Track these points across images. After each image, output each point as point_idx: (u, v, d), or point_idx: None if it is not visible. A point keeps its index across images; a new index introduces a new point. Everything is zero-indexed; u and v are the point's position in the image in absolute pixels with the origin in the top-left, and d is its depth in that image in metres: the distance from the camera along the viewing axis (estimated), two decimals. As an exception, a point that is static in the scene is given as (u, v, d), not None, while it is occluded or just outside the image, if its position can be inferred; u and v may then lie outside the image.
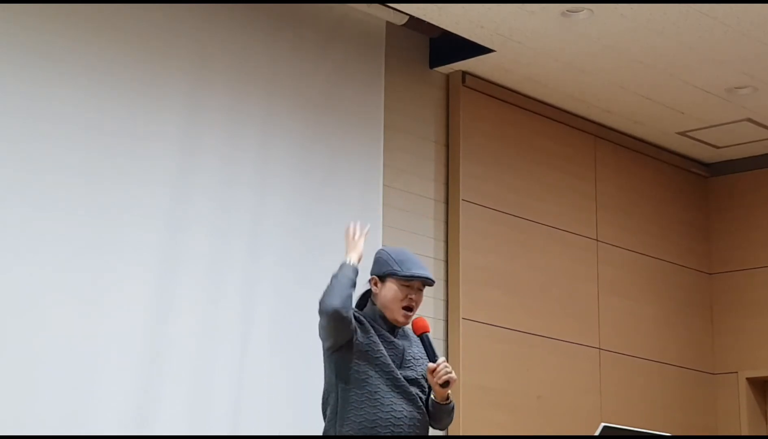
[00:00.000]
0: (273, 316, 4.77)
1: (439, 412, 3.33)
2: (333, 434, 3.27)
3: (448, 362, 3.36)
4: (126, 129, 4.45)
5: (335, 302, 3.17)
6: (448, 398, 3.31)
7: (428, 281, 3.34)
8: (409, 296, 3.31)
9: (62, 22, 4.35)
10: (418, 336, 3.37)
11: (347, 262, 3.27)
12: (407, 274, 3.30)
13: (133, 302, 4.39)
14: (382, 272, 3.34)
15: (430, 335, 3.38)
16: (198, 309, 4.55)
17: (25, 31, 4.24)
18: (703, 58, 5.41)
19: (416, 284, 3.32)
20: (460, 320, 5.37)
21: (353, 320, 3.22)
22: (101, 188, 4.38)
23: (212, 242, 4.63)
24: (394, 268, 3.31)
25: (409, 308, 3.31)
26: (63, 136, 4.29)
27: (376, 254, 3.41)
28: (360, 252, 3.31)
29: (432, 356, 3.29)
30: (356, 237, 3.33)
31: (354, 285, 3.24)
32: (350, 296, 3.23)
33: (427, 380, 3.32)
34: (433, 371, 3.24)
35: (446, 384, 3.24)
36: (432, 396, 3.32)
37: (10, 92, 4.17)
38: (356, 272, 3.26)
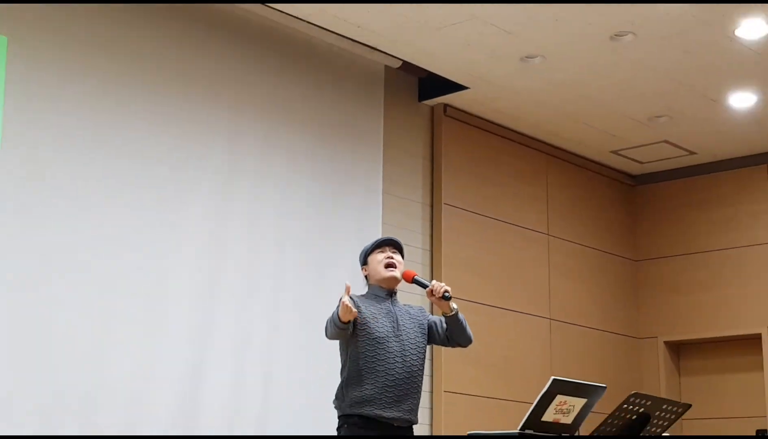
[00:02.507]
0: (299, 305, 4.67)
1: (453, 326, 3.29)
2: (346, 393, 3.23)
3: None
4: (180, 149, 4.39)
5: (327, 335, 3.23)
6: (452, 310, 3.25)
7: (393, 242, 3.38)
8: (386, 256, 3.31)
9: (127, 68, 4.31)
10: (410, 282, 3.34)
11: (338, 319, 3.12)
12: (373, 244, 3.36)
13: (183, 296, 4.28)
14: (362, 258, 3.38)
15: (419, 276, 3.35)
16: (236, 301, 4.45)
17: (95, 75, 4.20)
18: (630, 94, 5.44)
19: (386, 248, 3.34)
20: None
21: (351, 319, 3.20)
22: (158, 200, 4.29)
23: (249, 239, 4.56)
24: (366, 249, 3.38)
25: (390, 265, 3.30)
26: (131, 157, 4.21)
27: (359, 254, 3.45)
28: (346, 309, 3.10)
29: (425, 286, 3.26)
30: (344, 300, 3.11)
31: (338, 324, 3.12)
32: (335, 332, 3.17)
33: (418, 338, 3.28)
34: (431, 292, 3.22)
35: (446, 297, 3.20)
36: (441, 320, 3.31)
37: (88, 125, 4.11)
38: (337, 319, 3.12)
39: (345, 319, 3.07)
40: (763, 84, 5.28)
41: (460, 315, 3.29)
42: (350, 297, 3.17)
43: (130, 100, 4.26)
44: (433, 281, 3.29)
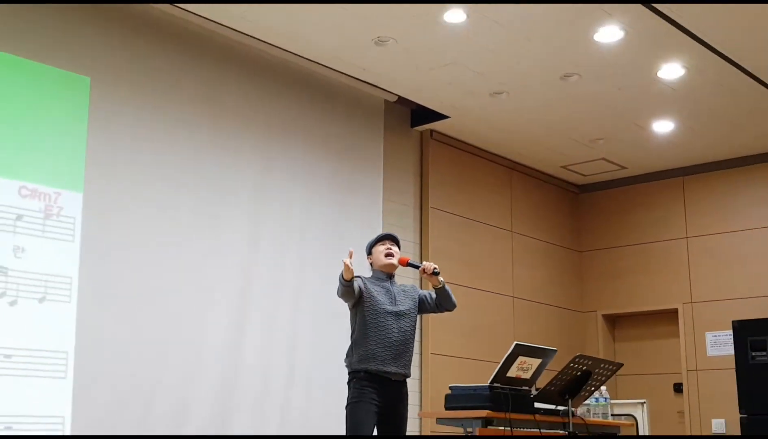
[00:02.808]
0: (318, 288, 4.59)
1: (441, 295, 3.34)
2: (354, 352, 3.25)
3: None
4: (223, 171, 4.33)
5: (338, 294, 3.24)
6: (441, 282, 3.29)
7: (391, 236, 3.40)
8: (386, 248, 3.35)
9: (188, 107, 4.26)
10: (405, 266, 3.37)
11: (342, 278, 3.16)
12: (376, 238, 3.43)
13: (228, 285, 4.22)
14: (368, 249, 3.44)
15: (412, 260, 3.40)
16: (268, 286, 4.42)
17: (161, 111, 4.15)
18: (575, 121, 5.47)
19: (386, 241, 3.39)
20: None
21: (358, 289, 3.20)
22: (206, 210, 4.19)
23: (278, 237, 4.51)
24: (371, 242, 3.43)
25: (389, 254, 3.33)
26: (187, 180, 4.18)
27: (365, 247, 3.46)
28: (347, 268, 3.13)
29: (417, 266, 3.32)
30: (345, 261, 3.15)
31: (343, 282, 3.15)
32: (343, 290, 3.18)
33: (413, 309, 3.33)
34: (423, 271, 3.28)
35: (435, 273, 3.24)
36: (431, 293, 3.34)
37: (156, 155, 4.10)
38: (342, 278, 3.16)
39: (347, 277, 3.08)
40: (679, 114, 5.34)
41: (447, 286, 3.32)
42: (362, 279, 3.28)
43: (192, 136, 4.20)
44: (424, 262, 3.37)
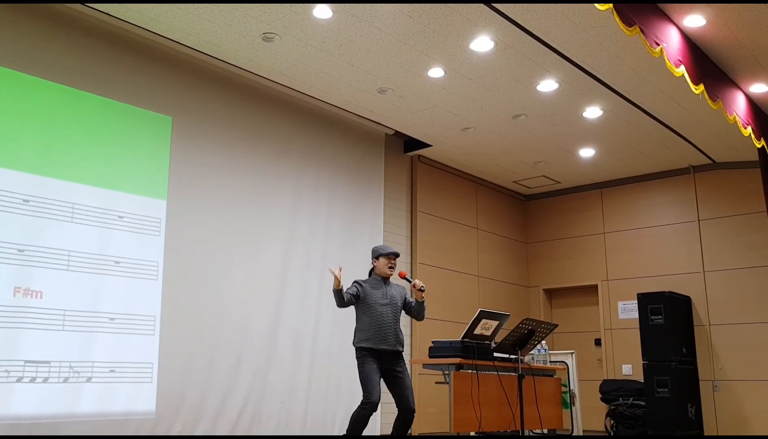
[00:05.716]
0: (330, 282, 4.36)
1: (419, 308, 3.22)
2: (356, 335, 3.13)
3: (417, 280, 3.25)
4: (268, 186, 4.27)
5: (337, 304, 3.08)
6: (422, 299, 3.20)
7: (396, 254, 3.26)
8: (390, 262, 3.22)
9: (250, 143, 4.21)
10: (402, 278, 3.23)
11: (333, 288, 3.02)
12: (386, 252, 3.24)
13: (271, 263, 4.20)
14: (375, 255, 3.25)
15: (407, 275, 3.33)
16: (300, 277, 4.35)
17: (229, 147, 4.11)
18: (523, 149, 5.39)
19: (391, 257, 3.24)
20: (417, 263, 5.40)
21: (349, 297, 3.07)
22: (256, 213, 4.13)
23: (307, 239, 4.47)
24: (380, 251, 3.24)
25: (391, 267, 3.21)
26: (243, 188, 4.15)
27: (372, 249, 3.27)
28: (337, 281, 2.97)
29: (410, 281, 3.20)
30: (335, 273, 2.99)
31: (338, 294, 3.00)
32: (339, 299, 3.02)
33: (399, 305, 3.18)
34: (413, 286, 3.17)
35: (421, 289, 3.15)
36: (413, 301, 3.21)
37: (224, 181, 4.04)
38: (336, 291, 3.00)
39: (335, 286, 2.96)
40: (598, 143, 5.29)
41: (425, 303, 3.18)
42: (359, 283, 3.16)
43: (245, 161, 4.15)
44: (416, 279, 3.21)
